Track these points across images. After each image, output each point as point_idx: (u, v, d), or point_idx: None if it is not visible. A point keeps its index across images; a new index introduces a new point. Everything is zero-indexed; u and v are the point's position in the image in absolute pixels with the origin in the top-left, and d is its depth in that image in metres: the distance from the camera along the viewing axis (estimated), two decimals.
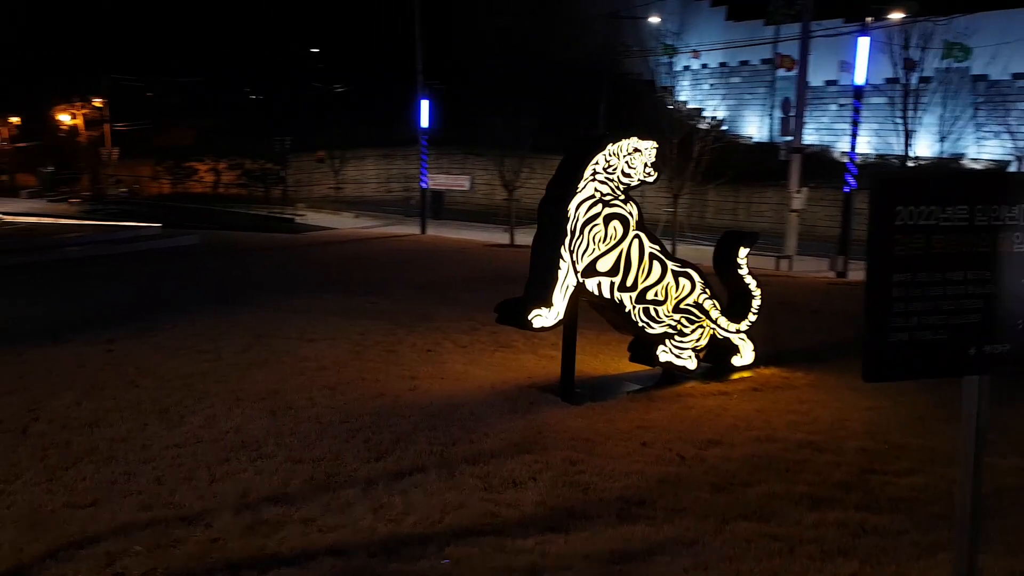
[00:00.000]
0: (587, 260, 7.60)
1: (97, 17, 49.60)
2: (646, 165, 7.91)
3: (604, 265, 7.72)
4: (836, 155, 34.24)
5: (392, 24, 40.99)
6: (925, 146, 24.17)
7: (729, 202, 41.24)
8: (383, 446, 5.90)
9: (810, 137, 39.59)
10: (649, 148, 7.95)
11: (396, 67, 39.54)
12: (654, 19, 40.47)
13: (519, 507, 4.85)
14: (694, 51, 46.96)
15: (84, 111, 51.10)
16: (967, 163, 28.40)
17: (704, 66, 46.72)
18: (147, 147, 48.85)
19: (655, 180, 8.14)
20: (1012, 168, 22.86)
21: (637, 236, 7.95)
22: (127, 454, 5.57)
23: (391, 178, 48.59)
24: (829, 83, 39.33)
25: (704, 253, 26.68)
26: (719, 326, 8.67)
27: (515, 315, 7.38)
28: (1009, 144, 25.07)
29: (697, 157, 23.83)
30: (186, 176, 46.36)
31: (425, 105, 32.13)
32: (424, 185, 32.56)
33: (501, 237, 25.46)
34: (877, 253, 2.66)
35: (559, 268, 7.42)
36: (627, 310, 7.97)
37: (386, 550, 4.14)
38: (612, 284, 7.82)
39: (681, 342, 8.34)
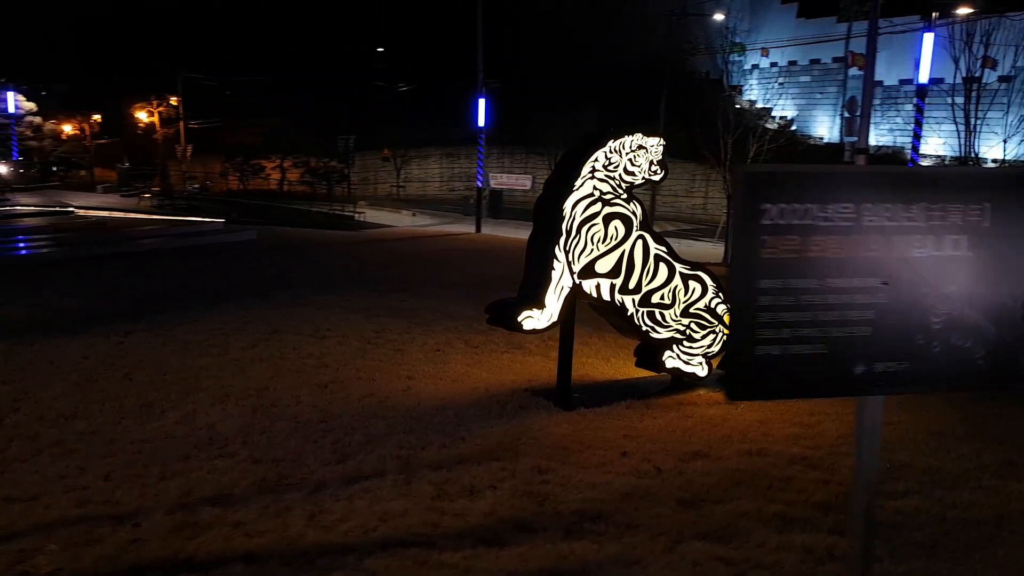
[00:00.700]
0: (584, 261, 7.31)
1: (173, 17, 51.38)
2: (652, 163, 7.57)
3: (604, 266, 7.42)
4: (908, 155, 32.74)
5: (456, 21, 41.18)
6: (1011, 149, 22.84)
7: None
8: (350, 448, 5.78)
9: (883, 138, 38.00)
10: (655, 145, 7.62)
11: (460, 65, 39.70)
12: (719, 16, 39.43)
13: (465, 517, 4.65)
14: (764, 49, 45.76)
15: (160, 109, 52.99)
16: None
17: (773, 64, 45.38)
18: (219, 145, 50.44)
19: (661, 179, 7.80)
20: None
21: (641, 237, 7.62)
22: (90, 448, 5.59)
23: (454, 177, 48.83)
24: (904, 82, 37.70)
25: None
26: None
27: (505, 316, 7.16)
28: None
29: (753, 157, 23.08)
30: (253, 174, 47.64)
31: (482, 104, 32.08)
32: (480, 184, 32.55)
33: None
34: (741, 256, 2.34)
35: (553, 268, 7.17)
36: (629, 313, 7.65)
37: (304, 559, 4.00)
38: (613, 286, 7.51)
39: (690, 348, 7.97)
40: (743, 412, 7.25)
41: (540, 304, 7.13)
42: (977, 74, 17.49)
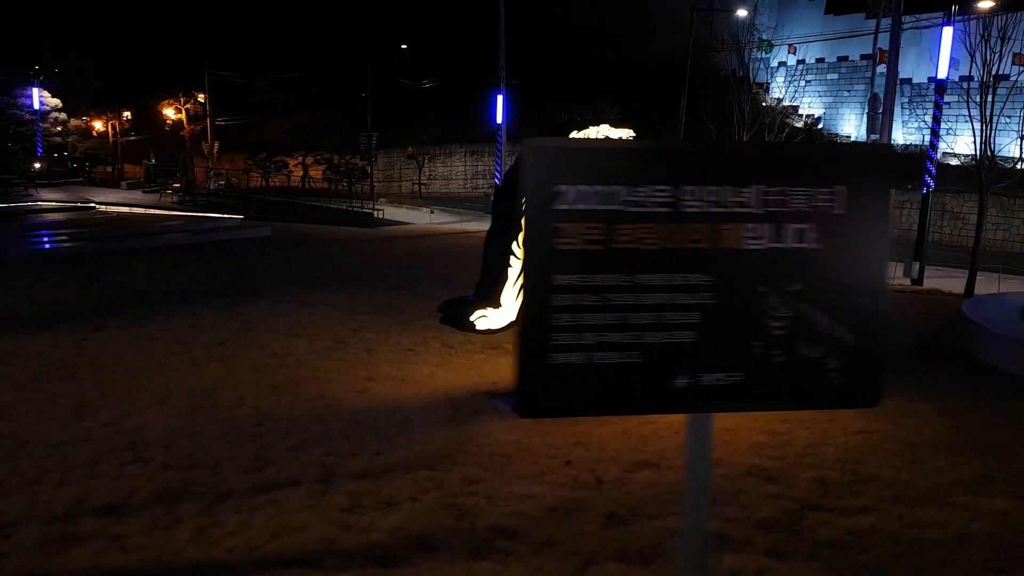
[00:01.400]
0: None
1: (201, 14, 51.77)
2: None
3: None
4: (939, 156, 31.73)
5: (479, 17, 40.88)
6: None
7: None
8: (274, 455, 5.48)
9: (911, 137, 36.88)
10: (623, 138, 7.23)
11: (484, 61, 39.49)
12: (742, 12, 38.60)
13: (368, 534, 4.31)
14: (791, 46, 44.80)
15: (187, 106, 53.53)
16: None
17: (800, 62, 44.37)
18: (246, 142, 50.79)
19: None
20: None
21: None
22: (5, 450, 5.36)
23: (477, 174, 48.55)
24: (933, 80, 36.58)
25: None
26: None
27: (457, 316, 6.83)
28: None
29: None
30: (276, 170, 47.84)
31: (500, 101, 31.78)
32: (498, 181, 32.22)
33: None
34: (532, 246, 1.97)
35: (510, 266, 6.81)
36: None
37: None
38: None
39: None
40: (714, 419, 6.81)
41: (496, 303, 6.79)
42: (995, 70, 16.72)
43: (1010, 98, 16.22)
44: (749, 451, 5.97)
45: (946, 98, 17.81)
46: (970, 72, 16.05)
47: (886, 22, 36.08)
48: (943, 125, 24.69)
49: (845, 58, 42.82)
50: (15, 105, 44.97)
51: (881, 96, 27.16)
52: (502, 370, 8.30)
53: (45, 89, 48.99)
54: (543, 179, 1.93)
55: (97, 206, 36.17)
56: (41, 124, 47.08)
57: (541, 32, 45.25)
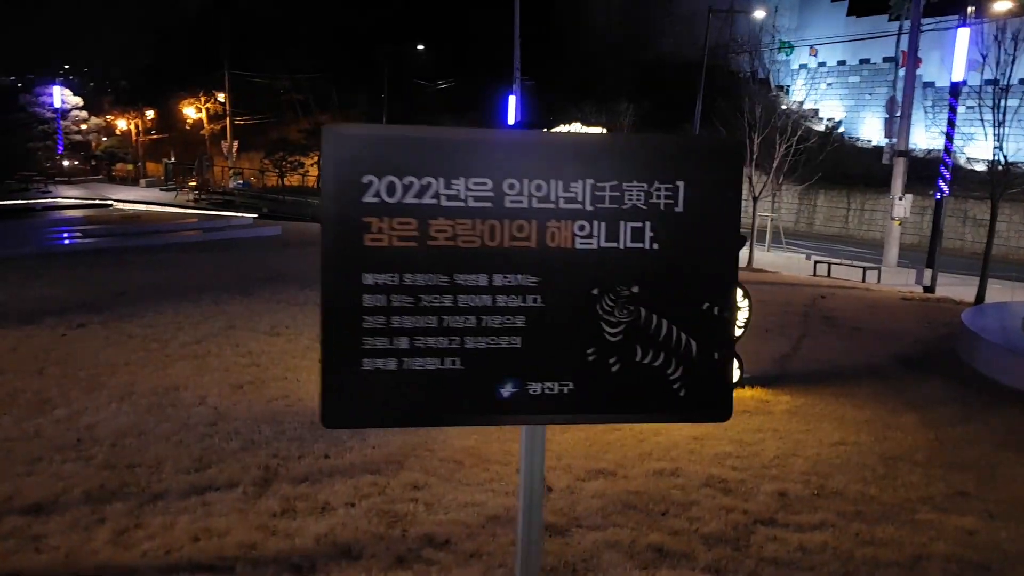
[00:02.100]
0: None
1: (224, 13, 52.10)
2: None
3: None
4: (962, 160, 31.10)
5: (494, 17, 40.80)
6: None
7: (840, 208, 38.64)
8: (219, 455, 5.38)
9: (934, 141, 36.21)
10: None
11: (499, 61, 39.42)
12: (760, 13, 38.14)
13: (292, 539, 4.19)
14: (812, 48, 44.19)
15: (208, 105, 54.01)
16: None
17: (822, 64, 43.79)
18: (264, 141, 51.12)
19: None
20: None
21: None
22: None
23: None
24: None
25: (794, 261, 24.92)
26: None
27: None
28: None
29: (781, 158, 22.06)
30: (292, 169, 48.08)
31: (513, 100, 31.71)
32: None
33: None
34: (335, 243, 1.82)
35: None
36: None
37: None
38: None
39: None
40: (681, 426, 6.63)
41: None
42: (1009, 73, 16.28)
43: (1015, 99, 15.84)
44: (712, 461, 5.78)
45: (968, 102, 17.39)
46: (995, 76, 15.71)
47: (909, 24, 35.44)
48: (966, 130, 24.17)
49: (867, 60, 42.20)
50: (36, 103, 45.65)
51: (899, 99, 26.66)
52: None
53: (68, 88, 49.69)
54: (347, 169, 1.79)
55: (114, 203, 36.55)
56: (62, 122, 47.71)
57: (558, 33, 45.10)
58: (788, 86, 44.56)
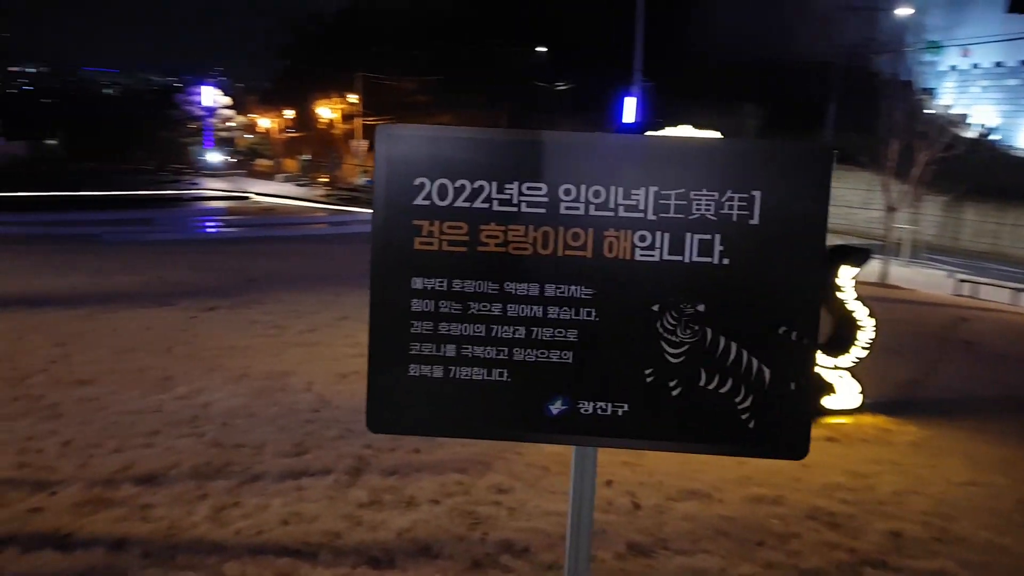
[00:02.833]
0: None
1: (358, 19, 54.34)
2: None
3: None
4: None
5: (615, 18, 40.46)
6: None
7: (991, 223, 35.91)
8: (317, 442, 5.55)
9: None
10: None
11: (619, 62, 39.04)
12: (904, 11, 35.85)
13: (376, 532, 4.25)
14: (964, 48, 41.21)
15: (341, 106, 56.53)
16: None
17: (975, 66, 40.83)
18: None
19: None
20: None
21: None
22: (77, 413, 5.76)
23: None
24: None
25: (934, 278, 23.31)
26: None
27: None
28: None
29: (923, 166, 20.66)
30: None
31: (629, 102, 31.27)
32: None
33: None
34: (386, 246, 1.77)
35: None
36: None
37: (169, 553, 3.78)
38: None
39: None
40: None
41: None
42: None
43: None
44: (819, 491, 5.43)
45: None
46: None
47: None
48: None
49: None
50: (189, 102, 49.28)
51: None
52: None
53: (217, 88, 53.33)
54: (399, 170, 1.76)
55: (253, 196, 38.95)
56: (210, 120, 51.26)
57: (680, 34, 44.13)
58: (935, 89, 41.70)
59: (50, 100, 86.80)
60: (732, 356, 1.74)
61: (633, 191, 1.73)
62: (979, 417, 7.67)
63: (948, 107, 39.17)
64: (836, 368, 7.48)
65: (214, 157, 50.89)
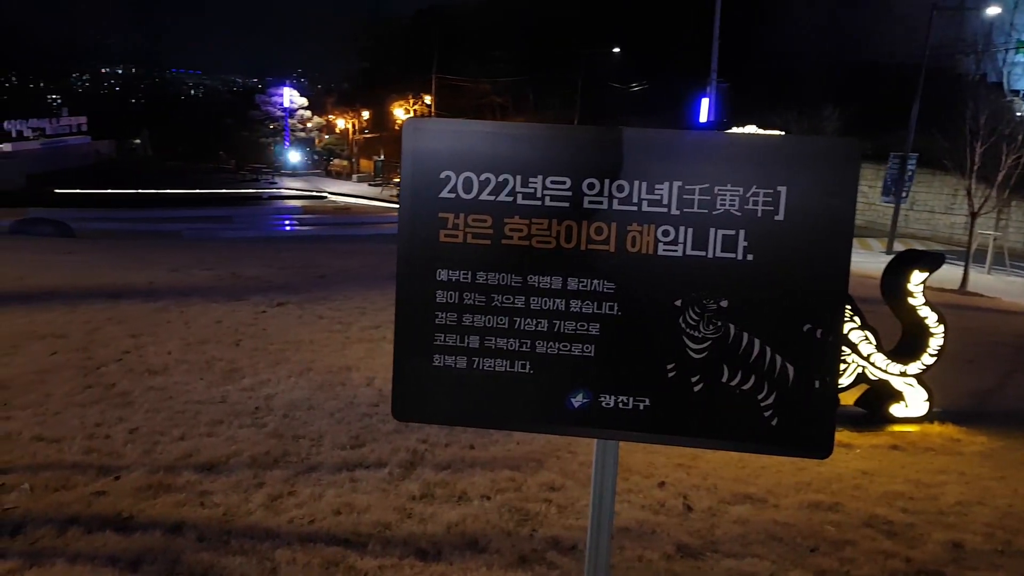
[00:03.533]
0: None
1: (433, 21, 55.05)
2: None
3: None
4: None
5: (692, 19, 39.95)
6: None
7: None
8: (374, 435, 5.68)
9: None
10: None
11: (697, 62, 38.49)
12: (993, 10, 34.19)
13: (425, 524, 4.33)
14: None
15: (415, 107, 57.43)
16: None
17: None
18: None
19: None
20: None
21: None
22: (145, 402, 6.03)
23: None
24: None
25: (1017, 286, 22.28)
26: (872, 364, 7.13)
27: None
28: None
29: (1006, 172, 19.71)
30: None
31: (705, 103, 30.93)
32: None
33: None
34: (412, 238, 1.79)
35: None
36: None
37: (223, 538, 3.93)
38: None
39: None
40: (851, 459, 6.14)
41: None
42: None
43: None
44: (879, 499, 5.27)
45: None
46: None
47: None
48: None
49: None
50: (269, 103, 50.92)
51: None
52: None
53: (296, 89, 54.89)
54: (425, 164, 1.80)
55: (329, 196, 39.93)
56: (289, 120, 52.79)
57: (757, 35, 43.21)
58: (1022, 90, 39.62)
59: (135, 100, 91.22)
60: (755, 353, 1.72)
61: (657, 185, 1.73)
62: None
63: None
64: (904, 375, 7.25)
65: (293, 157, 52.51)
